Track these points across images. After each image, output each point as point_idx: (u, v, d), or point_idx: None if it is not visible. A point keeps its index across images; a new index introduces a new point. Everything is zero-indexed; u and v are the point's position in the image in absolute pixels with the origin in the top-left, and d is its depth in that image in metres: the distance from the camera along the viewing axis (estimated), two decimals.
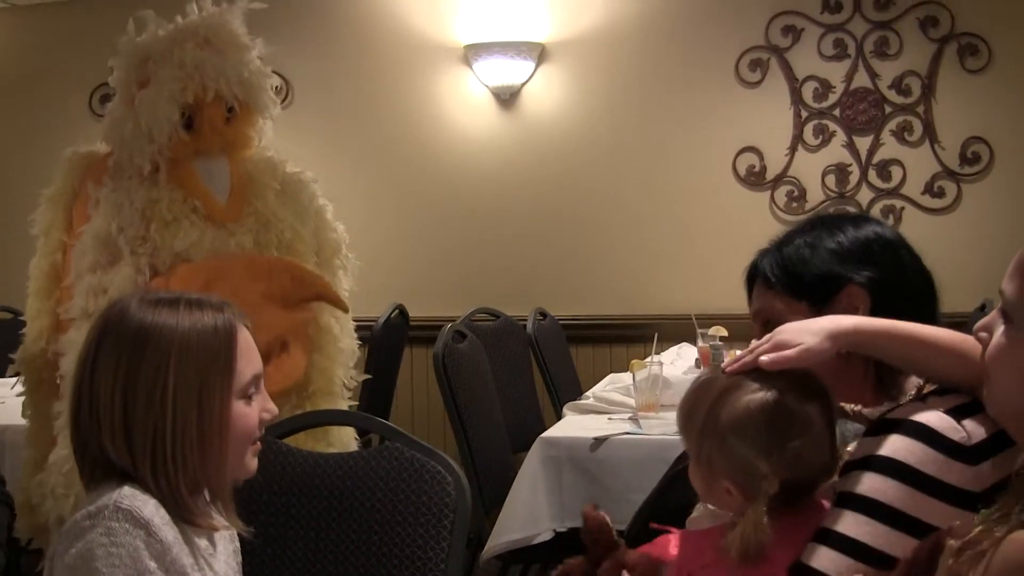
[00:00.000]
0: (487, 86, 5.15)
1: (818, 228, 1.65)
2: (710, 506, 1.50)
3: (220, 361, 1.58)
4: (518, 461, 3.29)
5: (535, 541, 3.04)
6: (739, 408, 1.38)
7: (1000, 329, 1.20)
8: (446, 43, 5.19)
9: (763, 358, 1.39)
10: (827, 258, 1.61)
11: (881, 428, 1.39)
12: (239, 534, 1.73)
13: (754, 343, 1.45)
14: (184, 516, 1.56)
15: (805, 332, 1.41)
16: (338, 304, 2.73)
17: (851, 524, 1.35)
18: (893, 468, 1.34)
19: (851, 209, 4.75)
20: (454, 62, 5.20)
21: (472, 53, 5.10)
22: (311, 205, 2.75)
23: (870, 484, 1.35)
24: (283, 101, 5.11)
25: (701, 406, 1.42)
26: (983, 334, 1.23)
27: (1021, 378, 1.18)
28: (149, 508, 1.51)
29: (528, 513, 3.04)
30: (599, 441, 3.03)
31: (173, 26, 2.72)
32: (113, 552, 1.46)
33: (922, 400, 1.41)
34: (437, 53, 5.21)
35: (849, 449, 1.47)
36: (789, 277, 1.63)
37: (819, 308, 1.59)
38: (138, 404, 1.54)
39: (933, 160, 4.79)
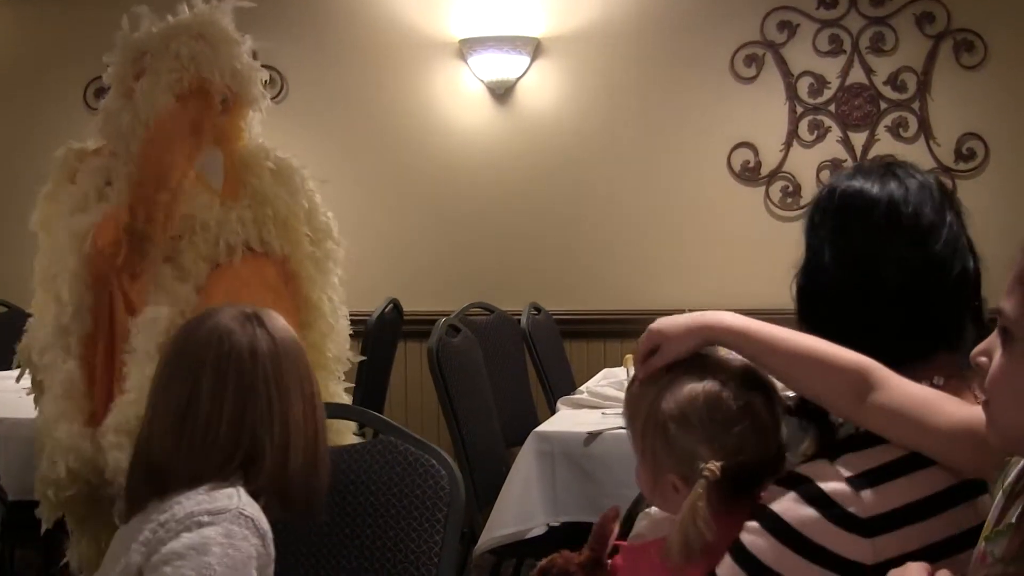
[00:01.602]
0: (482, 81, 5.14)
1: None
2: (653, 510, 1.50)
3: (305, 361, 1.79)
4: (512, 455, 3.29)
5: (528, 535, 3.04)
6: (681, 397, 1.39)
7: (1000, 351, 1.12)
8: (441, 37, 5.18)
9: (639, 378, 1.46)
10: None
11: (786, 481, 1.36)
12: None
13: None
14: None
15: (673, 328, 1.45)
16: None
17: (726, 569, 1.33)
18: (776, 526, 1.32)
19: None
20: (449, 56, 5.19)
21: (467, 47, 5.10)
22: (303, 186, 2.80)
23: (751, 538, 1.33)
24: (277, 95, 5.11)
25: (644, 401, 1.43)
26: (982, 359, 1.15)
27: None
28: (266, 520, 1.62)
29: (521, 508, 3.04)
30: (593, 436, 3.03)
31: (166, 24, 2.77)
32: (229, 553, 1.55)
33: (832, 460, 1.35)
34: (432, 47, 5.20)
35: (802, 449, 1.46)
36: None
37: None
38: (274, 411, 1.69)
39: (928, 156, 4.78)
